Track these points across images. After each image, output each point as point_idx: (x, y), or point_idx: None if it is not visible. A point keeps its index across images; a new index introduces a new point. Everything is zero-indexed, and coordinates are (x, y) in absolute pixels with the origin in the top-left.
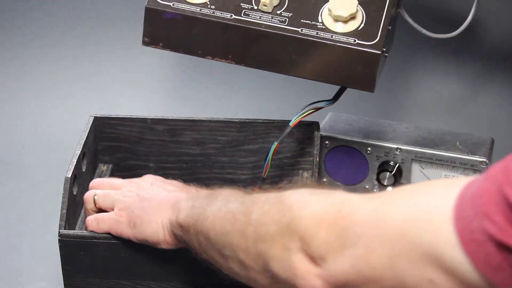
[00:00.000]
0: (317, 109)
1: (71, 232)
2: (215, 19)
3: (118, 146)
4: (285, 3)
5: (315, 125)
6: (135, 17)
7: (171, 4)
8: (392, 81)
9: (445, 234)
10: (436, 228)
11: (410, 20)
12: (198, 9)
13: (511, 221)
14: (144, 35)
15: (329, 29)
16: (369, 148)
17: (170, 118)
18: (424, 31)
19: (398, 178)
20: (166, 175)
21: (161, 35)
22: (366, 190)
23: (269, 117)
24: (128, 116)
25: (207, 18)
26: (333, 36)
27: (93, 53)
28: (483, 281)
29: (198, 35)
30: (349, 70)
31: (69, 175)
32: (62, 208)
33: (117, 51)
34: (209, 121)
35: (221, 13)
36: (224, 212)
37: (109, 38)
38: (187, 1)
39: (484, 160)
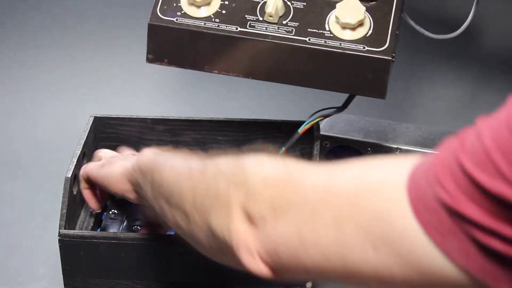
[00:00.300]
0: (326, 116)
1: (71, 232)
2: (221, 33)
3: (118, 146)
4: (290, 12)
5: (315, 125)
6: (135, 17)
7: (174, 19)
8: (392, 81)
9: (396, 202)
10: (387, 196)
11: (411, 22)
12: (203, 23)
13: (462, 189)
14: (148, 52)
15: (337, 37)
16: (369, 148)
17: (170, 118)
18: (426, 33)
19: None
20: None
21: (165, 52)
22: None
23: (270, 117)
24: (128, 116)
25: (212, 32)
26: (342, 44)
27: (93, 53)
28: (434, 250)
29: (204, 50)
30: (359, 78)
31: (69, 175)
32: (62, 208)
33: (117, 51)
34: (209, 121)
35: (226, 26)
36: (183, 166)
37: (109, 38)
38: (190, 16)
39: None
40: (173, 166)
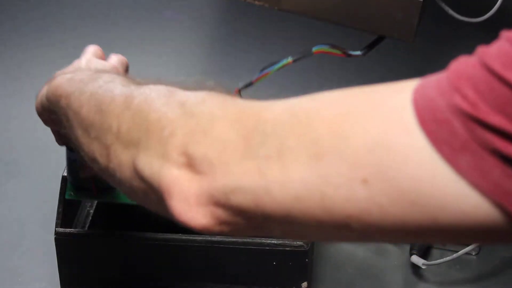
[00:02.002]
0: (346, 54)
1: (67, 230)
2: None
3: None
4: None
5: None
6: (136, 17)
7: None
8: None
9: (397, 117)
10: (385, 114)
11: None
12: None
13: (484, 95)
14: None
15: None
16: None
17: None
18: (455, 14)
19: None
20: None
21: None
22: None
23: None
24: None
25: None
26: None
27: None
28: (443, 169)
29: None
30: (389, 18)
31: (65, 174)
32: (58, 207)
33: (117, 51)
34: None
35: None
36: (104, 90)
37: (109, 38)
38: None
39: None
40: (92, 91)
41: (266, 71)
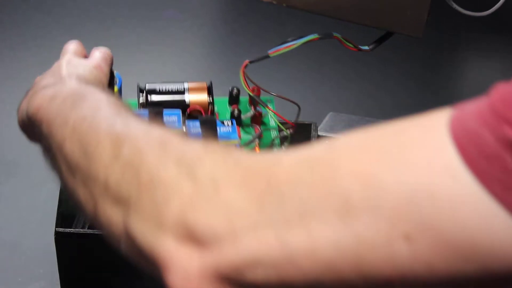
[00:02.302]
0: (356, 48)
1: (67, 230)
2: None
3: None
4: None
5: (313, 125)
6: (136, 17)
7: None
8: (392, 81)
9: (438, 156)
10: (422, 156)
11: None
12: None
13: None
14: None
15: None
16: None
17: None
18: (459, 9)
19: None
20: None
21: None
22: None
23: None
24: None
25: None
26: None
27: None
28: (496, 211)
29: None
30: (398, 13)
31: None
32: (58, 207)
33: (117, 51)
34: None
35: None
36: (88, 126)
37: (110, 38)
38: None
39: None
40: (75, 123)
41: (289, 43)
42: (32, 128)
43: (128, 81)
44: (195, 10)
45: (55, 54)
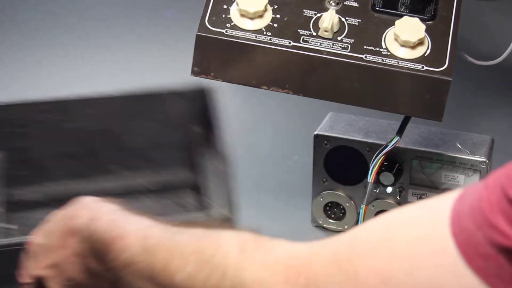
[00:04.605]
0: (388, 152)
1: None
2: (273, 46)
3: (10, 132)
4: (345, 29)
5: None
6: (136, 17)
7: (224, 31)
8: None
9: (442, 257)
10: (429, 256)
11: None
12: (254, 36)
13: None
14: (194, 65)
15: (395, 55)
16: (368, 148)
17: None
18: (469, 58)
19: (398, 178)
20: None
21: (213, 65)
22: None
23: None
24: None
25: (264, 45)
26: (400, 63)
27: (93, 53)
28: None
29: (254, 64)
30: (416, 98)
31: None
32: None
33: (117, 51)
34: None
35: (279, 40)
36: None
37: (110, 38)
38: (241, 28)
39: (484, 160)
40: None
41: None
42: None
43: (129, 81)
44: (195, 10)
45: (55, 54)
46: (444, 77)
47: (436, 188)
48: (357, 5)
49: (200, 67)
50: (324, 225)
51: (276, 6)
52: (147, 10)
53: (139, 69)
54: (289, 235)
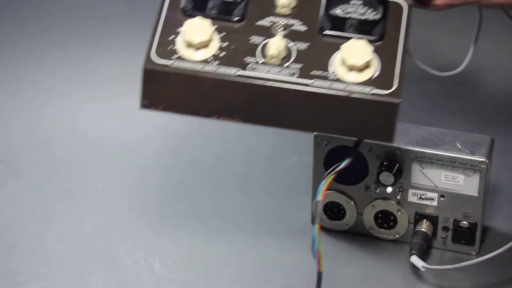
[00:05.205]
0: (339, 171)
1: None
2: (219, 77)
3: None
4: (293, 54)
5: None
6: (136, 17)
7: (170, 63)
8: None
9: None
10: None
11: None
12: (200, 67)
13: None
14: (143, 98)
15: (342, 79)
16: (369, 148)
17: None
18: (429, 69)
19: (398, 178)
20: None
21: (161, 97)
22: (366, 190)
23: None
24: None
25: (211, 76)
26: (347, 87)
27: (93, 53)
28: None
29: (202, 95)
30: (366, 121)
31: None
32: None
33: (118, 51)
34: None
35: (226, 69)
36: None
37: (110, 38)
38: (187, 59)
39: (484, 160)
40: None
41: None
42: None
43: (129, 81)
44: None
45: (55, 54)
46: (392, 100)
47: (436, 188)
48: (305, 29)
49: (149, 100)
50: (324, 225)
51: (224, 34)
52: (147, 10)
53: (139, 68)
54: (289, 235)
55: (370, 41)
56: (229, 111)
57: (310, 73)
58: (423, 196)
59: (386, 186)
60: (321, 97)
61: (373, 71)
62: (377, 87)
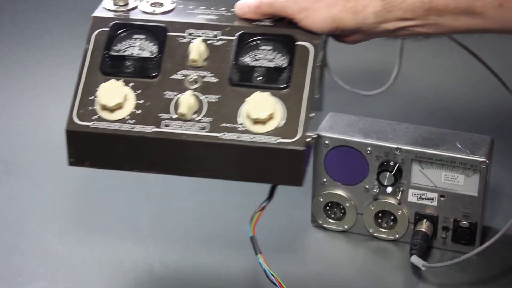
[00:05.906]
0: (262, 209)
1: None
2: (135, 134)
3: None
4: (204, 107)
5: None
6: None
7: (90, 124)
8: (392, 81)
9: None
10: None
11: (337, 79)
12: (118, 126)
13: None
14: (69, 156)
15: (250, 131)
16: (369, 148)
17: None
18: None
19: (398, 178)
20: None
21: (86, 155)
22: (366, 190)
23: None
24: None
25: (127, 134)
26: (254, 138)
27: None
28: None
29: (122, 152)
30: (276, 168)
31: None
32: None
33: None
34: None
35: (142, 127)
36: None
37: None
38: (105, 119)
39: (484, 160)
40: None
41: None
42: None
43: None
44: None
45: (55, 54)
46: (296, 148)
47: (436, 188)
48: (216, 80)
49: (75, 158)
50: (324, 225)
51: (140, 91)
52: None
53: None
54: (289, 235)
55: (278, 89)
56: (148, 165)
57: (220, 125)
58: (423, 196)
59: (386, 186)
60: (230, 148)
61: (278, 121)
62: (282, 137)
